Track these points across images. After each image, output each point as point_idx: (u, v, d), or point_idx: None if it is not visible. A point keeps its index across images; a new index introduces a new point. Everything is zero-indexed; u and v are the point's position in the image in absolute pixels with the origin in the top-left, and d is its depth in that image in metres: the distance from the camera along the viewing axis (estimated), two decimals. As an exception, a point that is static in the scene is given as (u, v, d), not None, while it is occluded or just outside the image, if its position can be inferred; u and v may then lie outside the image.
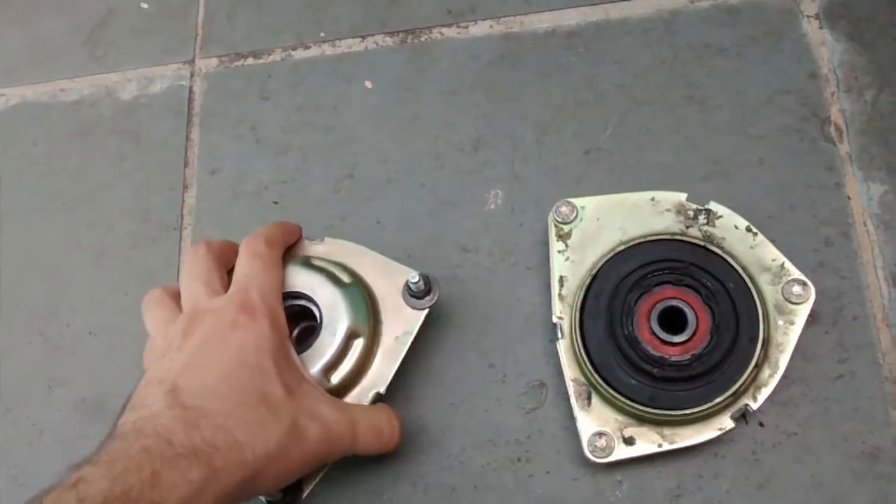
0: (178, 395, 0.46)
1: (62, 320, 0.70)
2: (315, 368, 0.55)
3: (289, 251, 0.60)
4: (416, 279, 0.56)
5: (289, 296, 0.57)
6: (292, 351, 0.53)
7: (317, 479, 0.55)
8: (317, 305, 0.57)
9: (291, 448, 0.48)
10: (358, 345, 0.56)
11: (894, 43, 0.63)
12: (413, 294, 0.57)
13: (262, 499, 0.55)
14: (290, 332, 0.59)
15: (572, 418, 0.55)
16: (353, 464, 0.57)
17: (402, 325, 0.58)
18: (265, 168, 0.70)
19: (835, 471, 0.54)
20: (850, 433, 0.55)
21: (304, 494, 0.54)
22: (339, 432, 0.51)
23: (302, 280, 0.58)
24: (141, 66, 0.78)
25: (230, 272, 0.56)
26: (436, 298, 0.57)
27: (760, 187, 0.61)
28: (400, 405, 0.59)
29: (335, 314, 0.56)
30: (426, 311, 0.58)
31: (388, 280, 0.59)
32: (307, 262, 0.59)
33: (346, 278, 0.58)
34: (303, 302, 0.58)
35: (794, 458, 0.55)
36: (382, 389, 0.56)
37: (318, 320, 0.56)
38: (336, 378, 0.55)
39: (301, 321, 0.60)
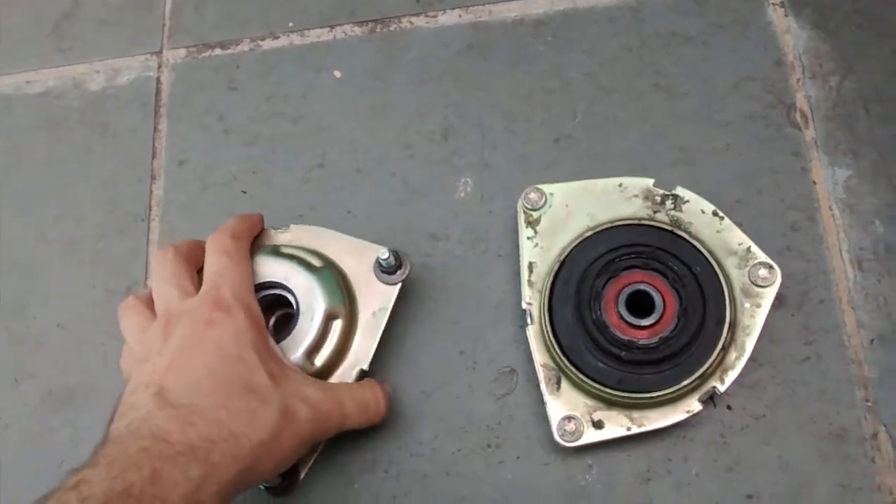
0: (166, 396, 0.47)
1: (29, 313, 0.69)
2: (297, 353, 0.55)
3: (255, 242, 0.60)
4: (386, 255, 0.57)
5: (263, 286, 0.57)
6: (271, 340, 0.54)
7: (311, 461, 0.56)
8: (291, 292, 0.57)
9: (284, 433, 0.49)
10: (337, 326, 0.57)
11: (858, 30, 0.64)
12: (384, 270, 0.58)
13: (262, 486, 0.56)
14: (268, 321, 0.59)
15: (542, 404, 0.55)
16: (325, 452, 0.57)
17: (377, 301, 0.58)
18: (234, 158, 0.70)
19: (802, 452, 0.55)
20: (817, 415, 0.55)
21: (302, 476, 0.56)
22: (327, 412, 0.52)
23: (274, 269, 0.58)
24: (108, 57, 0.77)
25: (200, 271, 0.56)
26: (407, 272, 0.58)
27: (727, 173, 0.61)
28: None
29: (311, 299, 0.56)
30: (399, 285, 0.58)
31: (358, 259, 0.59)
32: (277, 251, 0.59)
33: (316, 262, 0.58)
34: (277, 291, 0.58)
35: (761, 441, 0.55)
36: (366, 366, 0.57)
37: (295, 307, 0.57)
38: (319, 360, 0.56)
39: (277, 309, 0.60)
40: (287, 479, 0.56)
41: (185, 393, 0.47)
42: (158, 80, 0.75)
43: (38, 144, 0.75)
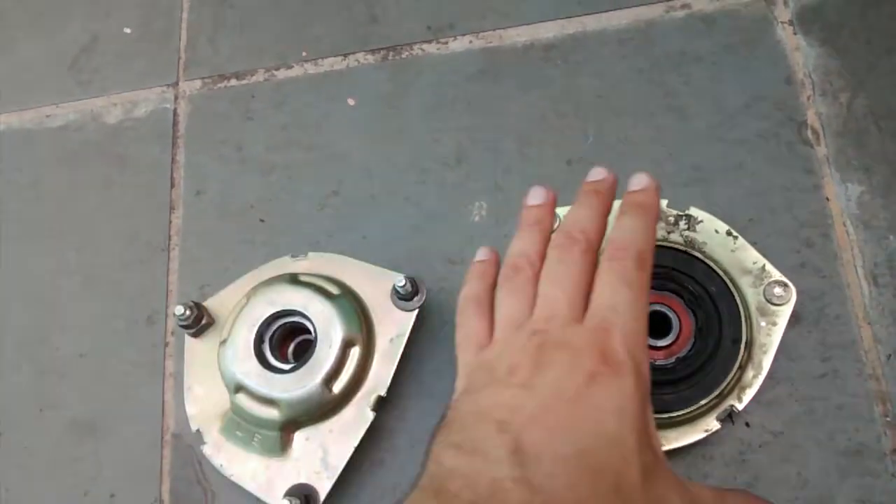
0: (525, 462, 0.36)
1: (52, 343, 0.70)
2: (316, 380, 0.56)
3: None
4: (403, 282, 0.58)
5: (283, 314, 0.58)
6: (651, 416, 0.41)
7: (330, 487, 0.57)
8: (310, 320, 0.58)
9: None
10: (354, 353, 0.57)
11: (867, 46, 0.64)
12: (401, 297, 0.59)
13: None
14: (286, 348, 0.60)
15: (561, 425, 0.55)
16: (347, 473, 0.57)
17: (394, 327, 0.59)
18: (251, 187, 0.71)
19: (821, 468, 0.55)
20: (836, 431, 0.55)
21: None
22: None
23: (292, 297, 0.59)
24: (125, 90, 0.78)
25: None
26: (423, 298, 0.59)
27: (740, 192, 0.62)
28: (393, 419, 0.60)
29: (328, 326, 0.57)
30: (416, 312, 0.59)
31: (375, 286, 0.60)
32: (295, 279, 0.60)
33: (334, 290, 0.59)
34: (296, 318, 0.59)
35: (780, 458, 0.55)
36: (384, 392, 0.58)
37: (313, 334, 0.57)
38: (337, 387, 0.57)
39: (296, 336, 0.61)
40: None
41: (548, 470, 0.36)
42: (175, 112, 0.76)
43: (59, 177, 0.76)
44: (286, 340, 0.61)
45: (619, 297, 0.41)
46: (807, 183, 0.61)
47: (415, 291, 0.59)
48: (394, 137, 0.70)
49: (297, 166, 0.70)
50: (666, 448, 0.53)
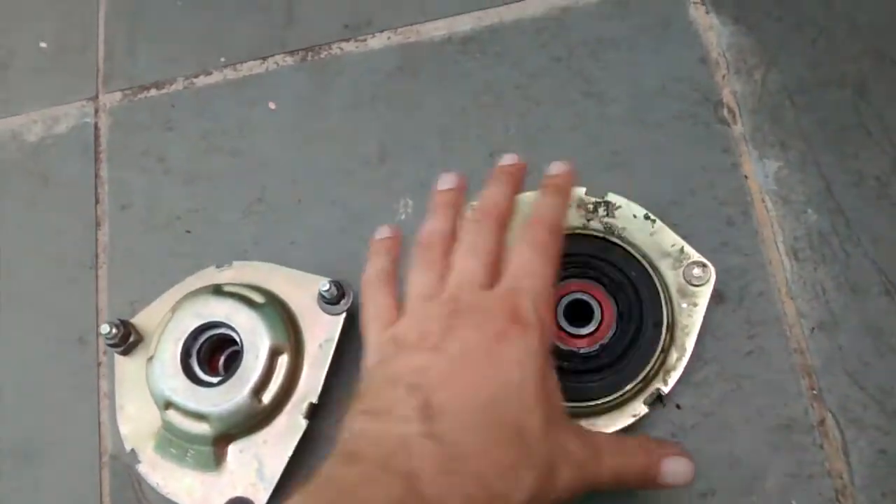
0: (433, 417, 0.39)
1: (-18, 369, 0.69)
2: (244, 391, 0.55)
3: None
4: (327, 286, 0.57)
5: (207, 326, 0.58)
6: (552, 372, 0.44)
7: None
8: (235, 331, 0.57)
9: (540, 495, 0.40)
10: (283, 361, 0.57)
11: (778, 22, 0.65)
12: (327, 301, 0.58)
13: None
14: (217, 361, 0.59)
15: (493, 419, 0.55)
16: (278, 490, 0.57)
17: (322, 332, 0.58)
18: (175, 198, 0.70)
19: (752, 445, 0.55)
20: (764, 407, 0.56)
21: None
22: (588, 474, 0.43)
23: (216, 308, 0.58)
24: (45, 106, 0.77)
25: None
26: (350, 301, 0.58)
27: (660, 174, 0.62)
28: (328, 425, 0.59)
29: (254, 336, 0.57)
30: (344, 315, 0.58)
31: (301, 291, 0.59)
32: (219, 290, 0.59)
33: (259, 299, 0.58)
34: (222, 330, 0.58)
35: (712, 437, 0.56)
36: (315, 399, 0.57)
37: (240, 345, 0.57)
38: (267, 397, 0.56)
39: (226, 348, 0.60)
40: None
41: (456, 424, 0.39)
42: (96, 126, 0.75)
43: (-19, 199, 0.75)
44: (215, 353, 0.60)
45: (531, 263, 0.46)
46: (725, 162, 0.62)
47: (341, 294, 0.58)
48: (316, 139, 0.69)
49: (221, 174, 0.70)
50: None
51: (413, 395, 0.40)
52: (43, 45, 0.79)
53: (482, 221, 0.48)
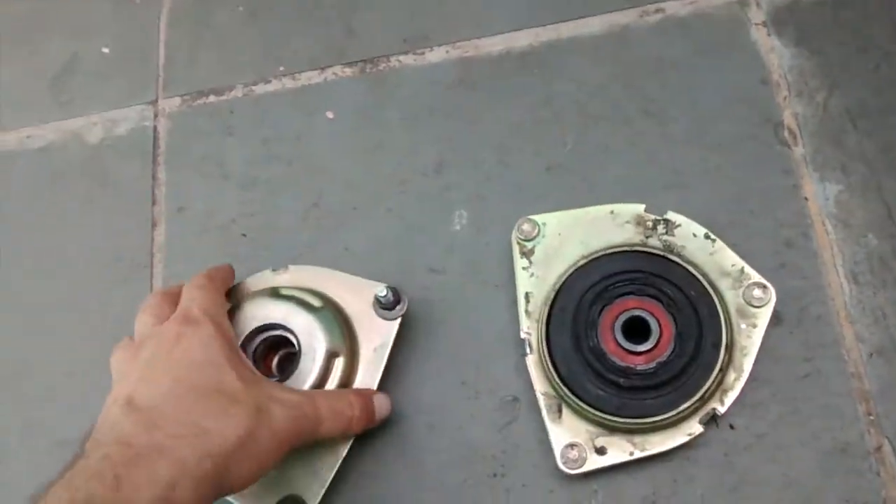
0: (134, 403, 0.47)
1: (37, 364, 0.70)
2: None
3: (236, 290, 0.62)
4: (384, 292, 0.58)
5: (265, 328, 0.58)
6: (241, 352, 0.54)
7: (322, 492, 0.57)
8: (292, 333, 0.58)
9: (259, 431, 0.48)
10: (339, 364, 0.58)
11: (841, 46, 0.64)
12: (383, 306, 0.59)
13: None
14: (271, 361, 0.60)
15: (545, 430, 0.55)
16: (330, 491, 0.57)
17: (377, 337, 0.59)
18: (232, 202, 0.71)
19: (806, 468, 0.55)
20: (820, 430, 0.55)
21: None
22: (303, 412, 0.51)
23: (273, 310, 0.59)
24: (105, 109, 0.78)
25: None
26: (405, 307, 0.59)
27: (719, 194, 0.62)
28: (378, 428, 0.60)
29: (311, 339, 0.57)
30: (399, 321, 0.59)
31: (357, 296, 0.60)
32: (276, 293, 0.60)
33: (315, 302, 0.59)
34: (279, 332, 0.59)
35: (765, 459, 0.55)
36: None
37: (297, 347, 0.57)
38: None
39: (280, 349, 0.61)
40: None
41: (153, 399, 0.47)
42: (155, 130, 0.76)
43: (42, 198, 0.76)
44: (270, 354, 0.61)
45: (194, 290, 0.56)
46: (785, 183, 0.61)
47: (396, 300, 0.59)
48: (373, 149, 0.70)
49: (278, 180, 0.70)
50: (649, 453, 0.53)
51: (117, 402, 0.48)
52: (105, 49, 0.81)
53: (147, 297, 0.59)
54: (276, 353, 0.61)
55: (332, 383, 0.57)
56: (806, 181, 0.61)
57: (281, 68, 0.75)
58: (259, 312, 0.59)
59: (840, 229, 0.60)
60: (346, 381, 0.58)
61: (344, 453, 0.57)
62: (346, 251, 0.67)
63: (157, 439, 0.44)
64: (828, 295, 0.58)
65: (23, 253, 0.74)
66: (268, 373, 0.59)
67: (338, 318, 0.58)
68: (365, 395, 0.56)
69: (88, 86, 0.80)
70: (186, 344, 0.51)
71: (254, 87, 0.75)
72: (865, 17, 0.65)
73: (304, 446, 0.53)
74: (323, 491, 0.57)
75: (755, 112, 0.64)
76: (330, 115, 0.72)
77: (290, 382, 0.56)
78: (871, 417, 0.55)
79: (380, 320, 0.59)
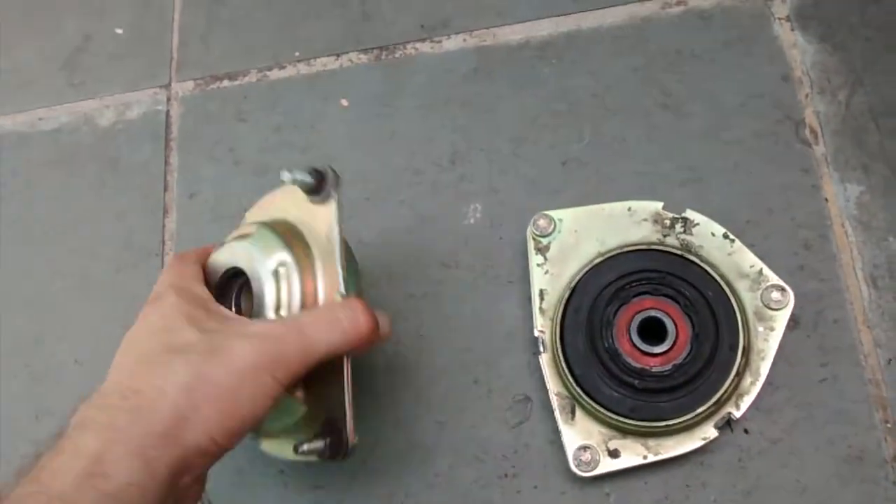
0: (98, 391, 0.47)
1: (47, 349, 0.69)
2: (269, 316, 0.52)
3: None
4: (299, 175, 0.53)
5: (233, 273, 0.56)
6: (216, 306, 0.52)
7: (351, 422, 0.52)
8: (241, 268, 0.55)
9: (211, 372, 0.46)
10: (287, 271, 0.53)
11: (865, 43, 0.63)
12: (309, 192, 0.55)
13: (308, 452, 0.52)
14: (239, 303, 0.57)
15: (558, 431, 0.55)
16: (340, 486, 0.57)
17: (323, 225, 0.55)
18: (244, 189, 0.70)
19: (821, 475, 0.54)
20: (835, 436, 0.55)
21: (352, 439, 0.52)
22: (277, 335, 0.49)
23: (219, 258, 0.56)
24: (118, 91, 0.78)
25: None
26: (336, 184, 0.55)
27: (737, 192, 0.61)
28: (389, 427, 0.60)
29: (253, 263, 0.54)
30: (335, 199, 0.55)
31: (295, 201, 0.56)
32: (222, 243, 0.57)
33: (251, 229, 0.56)
34: (230, 275, 0.56)
35: (780, 464, 0.55)
36: (342, 289, 0.53)
37: (249, 277, 0.54)
38: (292, 310, 0.53)
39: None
40: (332, 440, 0.52)
41: (109, 380, 0.47)
42: (168, 114, 0.75)
43: (53, 180, 0.76)
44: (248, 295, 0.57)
45: (162, 275, 0.54)
46: (805, 183, 0.60)
47: (320, 180, 0.54)
48: (387, 138, 0.69)
49: (290, 167, 0.69)
50: (663, 457, 0.53)
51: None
52: (119, 31, 0.80)
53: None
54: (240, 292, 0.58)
55: (294, 292, 0.53)
56: (826, 181, 0.60)
57: (296, 53, 0.74)
58: (220, 259, 0.56)
59: (860, 231, 0.59)
60: (308, 282, 0.53)
61: (346, 367, 0.52)
62: (359, 243, 0.66)
63: (85, 415, 0.44)
64: (846, 299, 0.57)
65: (33, 234, 0.74)
66: (239, 312, 0.56)
67: (273, 230, 0.55)
68: (350, 303, 0.51)
69: (101, 67, 0.79)
70: (149, 316, 0.50)
71: (268, 73, 0.74)
72: (891, 14, 0.63)
73: (309, 370, 0.49)
74: (349, 410, 0.52)
75: (776, 109, 0.63)
76: (344, 102, 0.71)
77: (256, 312, 0.53)
78: (889, 425, 0.54)
79: (319, 208, 0.55)
